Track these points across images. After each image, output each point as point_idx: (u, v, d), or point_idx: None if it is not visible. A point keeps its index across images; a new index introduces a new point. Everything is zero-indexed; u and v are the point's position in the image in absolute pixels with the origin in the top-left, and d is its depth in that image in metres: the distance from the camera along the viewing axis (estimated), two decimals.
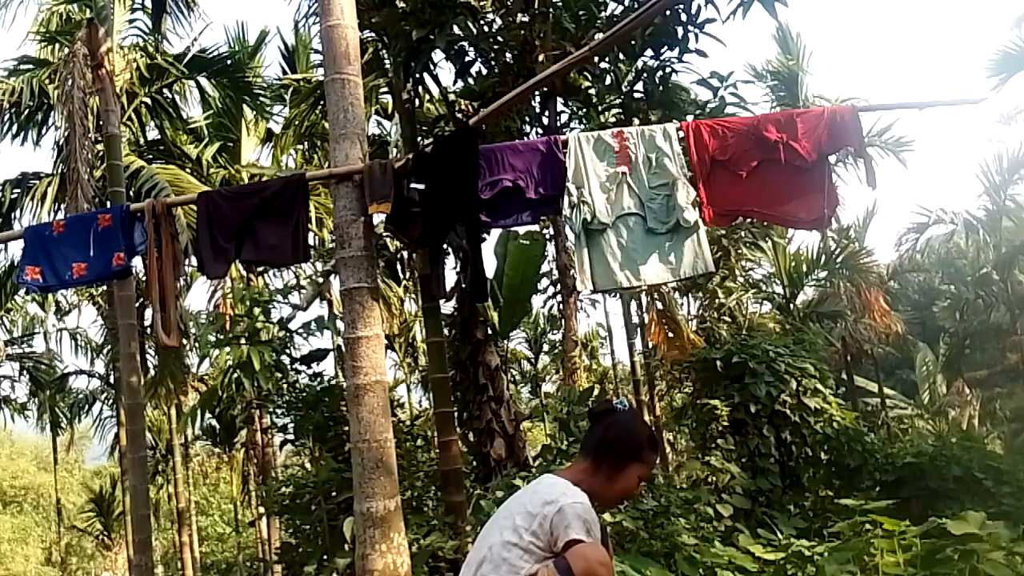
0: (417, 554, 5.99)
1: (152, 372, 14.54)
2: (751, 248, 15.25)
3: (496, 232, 10.83)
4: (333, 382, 9.08)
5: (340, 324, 6.28)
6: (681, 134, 4.90)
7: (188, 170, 12.43)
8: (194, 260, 6.79)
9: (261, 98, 12.47)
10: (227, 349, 8.62)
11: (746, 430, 8.66)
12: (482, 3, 8.13)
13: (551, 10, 8.30)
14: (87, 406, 20.78)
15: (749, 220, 10.09)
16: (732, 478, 8.13)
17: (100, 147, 9.48)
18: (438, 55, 8.25)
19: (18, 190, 11.38)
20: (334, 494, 7.41)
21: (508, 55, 8.58)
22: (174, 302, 5.13)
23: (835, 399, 9.33)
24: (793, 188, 4.82)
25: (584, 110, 10.12)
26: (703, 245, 4.79)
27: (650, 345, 16.19)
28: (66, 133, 8.49)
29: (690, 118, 7.08)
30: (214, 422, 19.89)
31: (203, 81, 12.04)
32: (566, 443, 7.89)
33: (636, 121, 8.35)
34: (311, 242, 10.13)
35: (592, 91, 9.47)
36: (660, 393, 17.76)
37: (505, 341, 15.13)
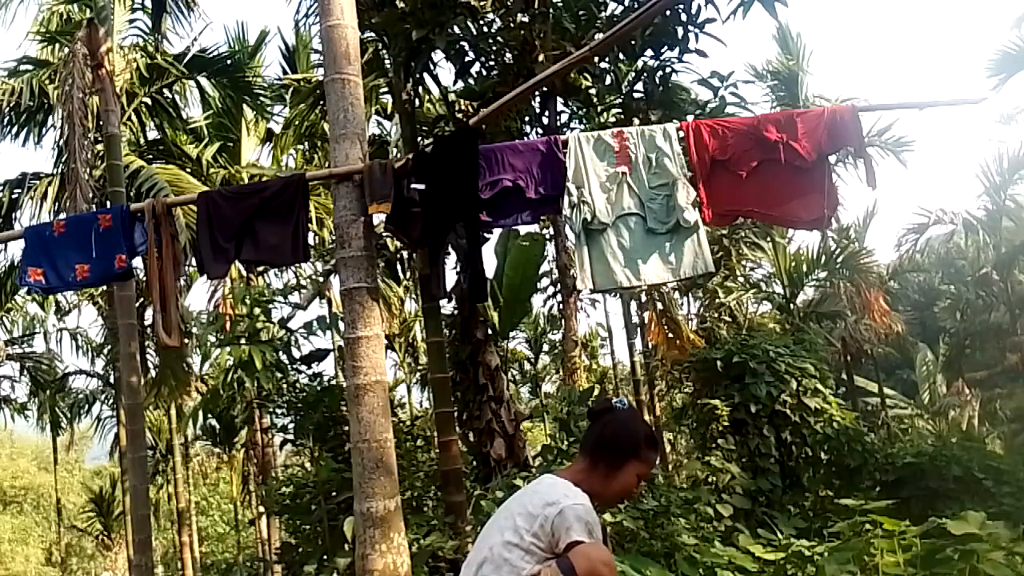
0: (417, 554, 5.99)
1: (153, 372, 14.54)
2: (752, 248, 15.25)
3: (496, 232, 10.84)
4: (333, 382, 9.08)
5: (340, 324, 6.28)
6: (681, 134, 4.89)
7: (188, 170, 12.42)
8: (194, 260, 6.80)
9: (261, 98, 12.47)
10: (227, 349, 8.61)
11: (746, 430, 8.66)
12: (482, 3, 8.13)
13: (551, 10, 8.30)
14: (87, 406, 20.79)
15: (749, 220, 10.10)
16: (732, 478, 8.13)
17: (100, 147, 9.48)
18: (438, 55, 8.26)
19: (18, 190, 11.37)
20: (334, 494, 7.41)
21: (508, 55, 8.58)
22: (175, 302, 5.13)
23: (835, 399, 9.33)
24: (793, 188, 4.82)
25: (584, 110, 10.12)
26: (703, 245, 4.79)
27: (650, 345, 16.19)
28: (66, 133, 8.49)
29: (690, 118, 7.08)
30: (214, 422, 19.89)
31: (203, 81, 12.04)
32: (566, 443, 7.89)
33: (636, 121, 8.35)
34: (311, 242, 10.13)
35: (592, 91, 9.47)
36: (660, 393, 17.76)
37: (505, 341, 15.13)
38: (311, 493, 7.59)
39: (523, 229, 10.69)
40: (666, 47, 8.04)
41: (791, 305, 15.63)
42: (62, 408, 21.09)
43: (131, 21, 11.62)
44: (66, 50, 9.12)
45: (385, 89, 10.28)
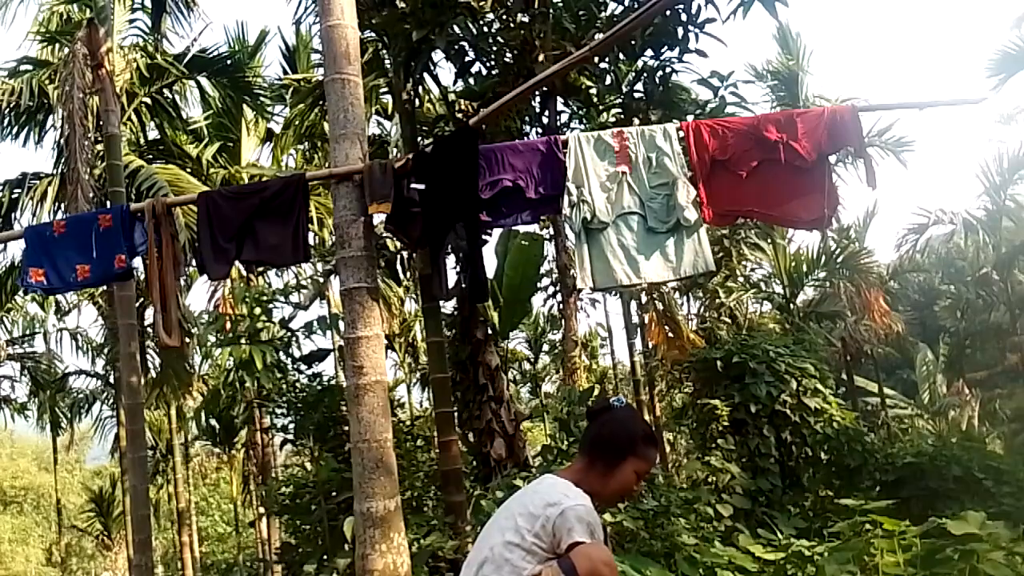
0: (417, 554, 5.99)
1: (153, 372, 14.53)
2: (752, 248, 15.25)
3: (496, 232, 10.84)
4: (333, 382, 9.09)
5: (340, 324, 6.28)
6: (681, 134, 4.90)
7: (188, 170, 12.43)
8: (194, 260, 6.79)
9: (261, 98, 12.48)
10: (228, 349, 8.61)
11: (746, 430, 8.66)
12: (482, 3, 8.13)
13: (551, 10, 8.30)
14: (87, 406, 20.77)
15: (750, 220, 10.09)
16: (732, 478, 8.13)
17: (100, 147, 9.48)
18: (438, 55, 8.25)
19: (18, 190, 11.37)
20: (334, 494, 7.41)
21: (508, 55, 8.58)
22: (175, 302, 5.13)
23: (835, 399, 9.32)
24: (793, 188, 4.82)
25: (584, 110, 10.12)
26: (703, 244, 4.80)
27: (650, 345, 16.19)
28: (66, 133, 8.49)
29: (690, 118, 7.08)
30: (214, 422, 19.89)
31: (203, 81, 12.04)
32: (566, 443, 7.89)
33: (636, 121, 8.35)
34: (311, 242, 10.13)
35: (592, 91, 9.47)
36: (660, 393, 17.76)
37: (505, 341, 15.14)
38: (311, 493, 7.59)
39: (523, 229, 10.71)
40: (666, 47, 8.04)
41: (791, 305, 15.63)
42: (62, 408, 21.08)
43: (131, 21, 11.62)
44: (66, 50, 9.12)
45: (385, 89, 10.28)
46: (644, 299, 15.07)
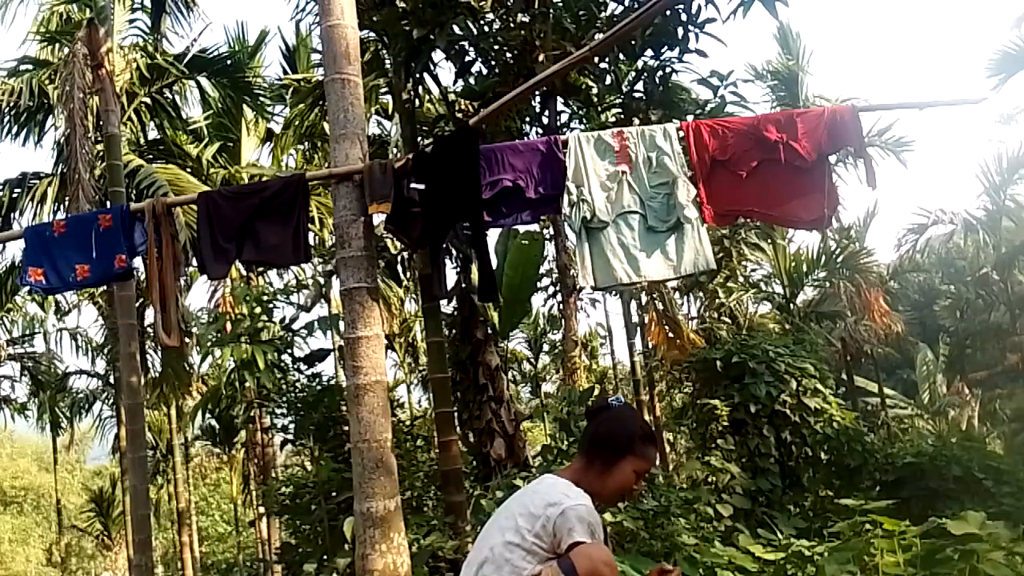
0: (417, 554, 6.00)
1: (153, 372, 14.54)
2: (752, 249, 15.25)
3: (496, 232, 10.85)
4: (333, 382, 9.09)
5: (340, 324, 6.28)
6: (681, 134, 4.89)
7: (188, 170, 12.43)
8: (195, 260, 6.79)
9: (261, 98, 12.48)
10: (228, 349, 8.62)
11: (746, 430, 8.66)
12: (482, 3, 8.13)
13: (551, 10, 8.30)
14: (87, 406, 20.78)
15: (750, 220, 10.09)
16: (732, 478, 8.13)
17: (100, 147, 9.48)
18: (438, 55, 8.25)
19: (18, 190, 11.38)
20: (334, 494, 7.41)
21: (508, 55, 8.58)
22: (175, 302, 5.13)
23: (835, 399, 9.33)
24: (793, 188, 4.82)
25: (584, 110, 10.12)
26: (704, 242, 4.79)
27: (650, 345, 16.19)
28: (66, 133, 8.50)
29: (690, 118, 7.08)
30: (214, 422, 19.90)
31: (203, 81, 12.05)
32: (566, 443, 7.90)
33: (636, 121, 8.35)
34: (311, 242, 10.14)
35: (592, 91, 9.47)
36: (660, 393, 17.76)
37: (505, 341, 15.14)
38: (311, 493, 7.59)
39: (523, 229, 10.71)
40: (666, 47, 8.04)
41: (791, 305, 15.64)
42: (62, 408, 21.08)
43: (131, 21, 11.63)
44: (66, 50, 9.12)
45: (385, 89, 10.28)
46: (644, 299, 15.07)
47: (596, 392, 10.80)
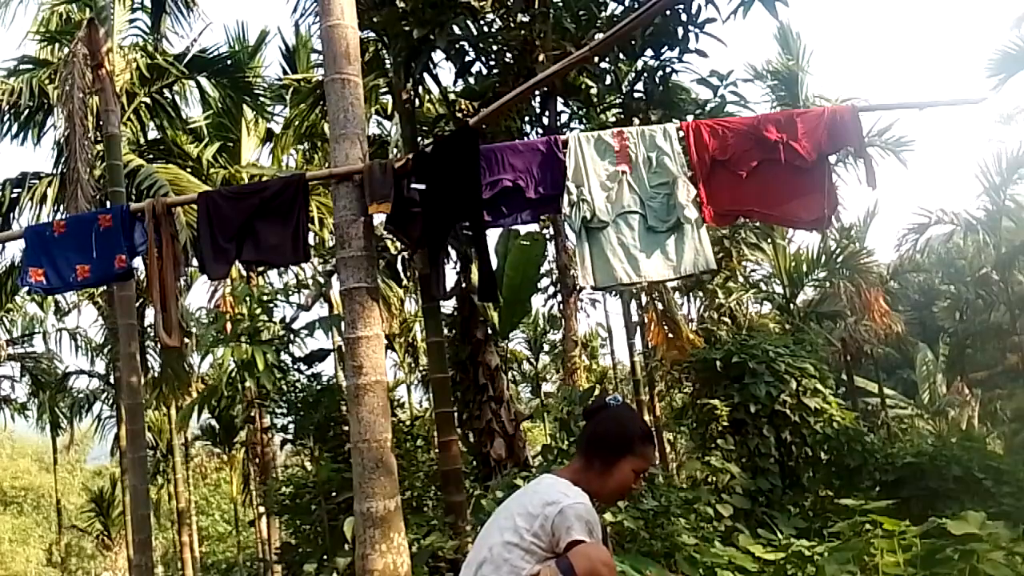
0: (417, 554, 6.00)
1: (153, 372, 14.54)
2: (752, 249, 15.25)
3: (496, 232, 10.84)
4: (333, 382, 9.09)
5: (341, 324, 6.28)
6: (681, 134, 4.90)
7: (188, 170, 12.43)
8: (195, 260, 6.79)
9: (261, 98, 12.48)
10: (229, 349, 8.62)
11: (746, 430, 8.66)
12: (482, 3, 8.13)
13: (551, 10, 8.30)
14: (87, 406, 20.79)
15: (750, 220, 10.09)
16: (732, 478, 8.13)
17: (100, 147, 9.48)
18: (438, 55, 8.25)
19: (18, 190, 11.38)
20: (334, 494, 7.42)
21: (508, 55, 8.58)
22: (175, 302, 5.13)
23: (835, 399, 9.33)
24: (793, 188, 4.82)
25: (584, 110, 10.11)
26: (704, 242, 4.79)
27: (650, 345, 16.19)
28: (66, 133, 8.49)
29: (690, 118, 7.08)
30: (214, 422, 19.89)
31: (203, 81, 12.05)
32: (566, 443, 7.90)
33: (636, 121, 8.35)
34: (311, 242, 10.14)
35: (592, 91, 9.46)
36: (660, 393, 17.76)
37: (505, 341, 15.14)
38: (311, 493, 7.60)
39: (523, 229, 10.71)
40: (666, 47, 8.04)
41: (791, 305, 15.63)
42: (62, 408, 21.09)
43: (131, 21, 11.63)
44: (66, 50, 9.12)
45: (385, 89, 10.28)
46: (644, 299, 15.07)
47: (596, 392, 10.80)
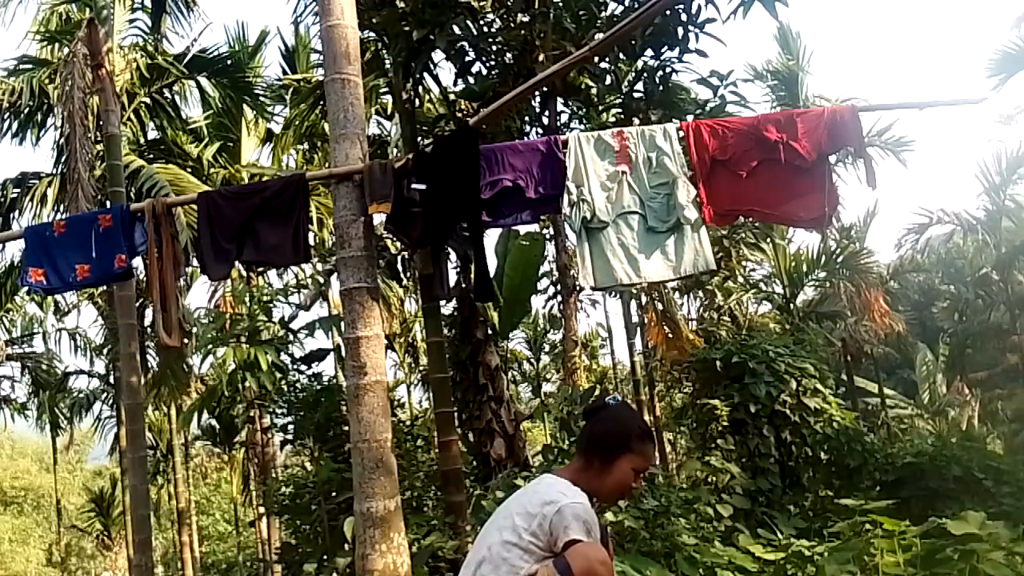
0: (417, 554, 6.00)
1: (153, 372, 14.53)
2: (752, 248, 15.25)
3: (496, 232, 10.84)
4: (333, 382, 9.10)
5: (341, 324, 6.28)
6: (681, 134, 4.90)
7: (188, 170, 12.43)
8: (195, 260, 6.79)
9: (261, 98, 12.49)
10: (229, 349, 8.62)
11: (746, 430, 8.66)
12: (482, 3, 8.13)
13: (551, 10, 8.30)
14: (87, 406, 20.78)
15: (750, 220, 10.09)
16: (732, 478, 8.13)
17: (100, 147, 9.48)
18: (438, 55, 8.25)
19: (18, 190, 11.38)
20: (334, 494, 7.42)
21: (508, 55, 8.58)
22: (175, 302, 5.13)
23: (835, 399, 9.33)
24: (793, 188, 4.82)
25: (584, 110, 10.12)
26: (704, 242, 4.80)
27: (650, 345, 16.19)
28: (66, 133, 8.49)
29: (690, 118, 7.08)
30: (214, 422, 19.89)
31: (203, 81, 12.06)
32: (567, 443, 7.90)
33: (636, 121, 8.35)
34: (311, 242, 10.14)
35: (592, 91, 9.47)
36: (660, 393, 17.76)
37: (505, 341, 15.14)
38: (311, 493, 7.60)
39: (523, 229, 10.71)
40: (666, 47, 8.04)
41: (791, 305, 15.63)
42: (62, 408, 21.08)
43: (131, 21, 11.63)
44: (66, 50, 9.12)
45: (385, 89, 10.28)
46: (644, 299, 15.08)
47: (596, 392, 10.81)
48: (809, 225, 5.08)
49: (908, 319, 20.13)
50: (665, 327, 14.36)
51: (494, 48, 8.53)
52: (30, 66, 11.18)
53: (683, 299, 16.42)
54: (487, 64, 8.84)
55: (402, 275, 12.09)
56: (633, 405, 13.47)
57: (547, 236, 12.06)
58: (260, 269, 13.49)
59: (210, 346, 12.29)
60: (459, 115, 9.54)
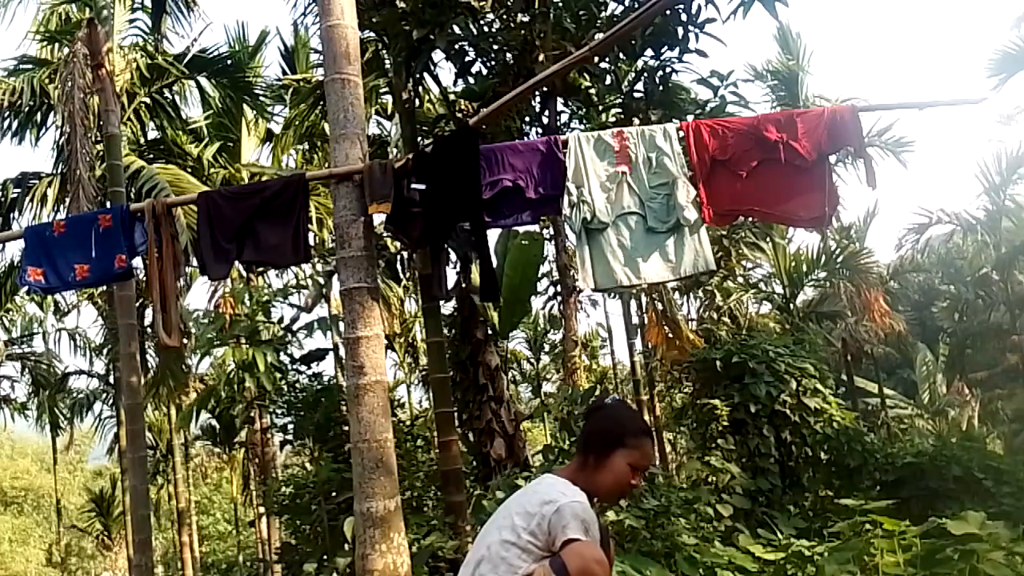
0: (417, 554, 6.00)
1: (152, 372, 14.53)
2: (751, 248, 15.25)
3: (496, 232, 10.83)
4: (333, 382, 9.10)
5: (340, 324, 6.28)
6: (681, 134, 4.89)
7: (188, 170, 12.43)
8: (195, 260, 6.79)
9: (261, 98, 12.48)
10: (229, 349, 8.62)
11: (746, 430, 8.66)
12: (482, 3, 8.13)
13: (551, 10, 8.30)
14: (87, 406, 20.78)
15: (750, 220, 10.09)
16: (732, 478, 8.14)
17: (100, 147, 9.48)
18: (438, 55, 8.25)
19: (18, 190, 11.38)
20: (334, 494, 7.42)
21: (508, 55, 8.58)
22: (175, 302, 5.12)
23: (835, 399, 9.33)
24: (793, 187, 4.82)
25: (584, 110, 10.11)
26: (704, 243, 4.79)
27: (650, 345, 16.19)
28: (66, 133, 8.49)
29: (690, 118, 7.07)
30: (214, 422, 19.89)
31: (203, 81, 12.05)
32: (567, 443, 7.91)
33: (636, 121, 8.35)
34: (311, 242, 10.14)
35: (592, 91, 9.46)
36: (660, 393, 17.76)
37: (505, 341, 15.14)
38: (311, 493, 7.60)
39: (523, 229, 10.71)
40: (666, 47, 8.04)
41: (791, 305, 15.63)
42: (62, 408, 21.08)
43: (131, 21, 11.63)
44: (66, 50, 9.12)
45: (385, 89, 10.29)
46: (644, 299, 15.08)
47: (596, 392, 10.81)
48: (809, 225, 5.08)
49: (908, 319, 20.13)
50: (665, 327, 14.36)
51: (494, 48, 8.53)
52: (30, 66, 11.17)
53: (683, 299, 16.43)
54: (487, 64, 8.84)
55: (402, 275, 12.10)
56: (633, 405, 13.47)
57: (547, 236, 12.07)
58: (260, 269, 13.48)
59: (209, 347, 12.30)
60: (459, 115, 9.54)
